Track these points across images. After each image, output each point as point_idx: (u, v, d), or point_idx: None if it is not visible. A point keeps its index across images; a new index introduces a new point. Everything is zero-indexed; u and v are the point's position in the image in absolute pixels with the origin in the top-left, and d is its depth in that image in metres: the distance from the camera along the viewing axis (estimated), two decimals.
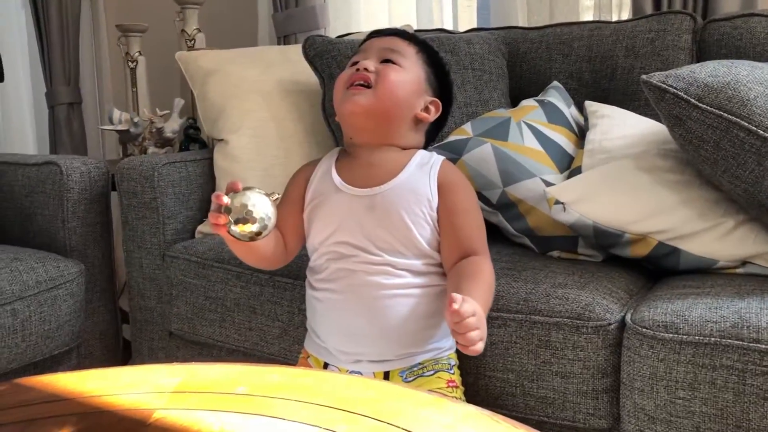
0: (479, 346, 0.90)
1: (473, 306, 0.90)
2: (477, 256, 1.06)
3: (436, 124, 1.21)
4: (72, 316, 1.55)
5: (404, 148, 1.15)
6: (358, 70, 1.12)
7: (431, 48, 1.21)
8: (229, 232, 0.95)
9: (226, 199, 0.94)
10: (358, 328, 1.08)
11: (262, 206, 0.95)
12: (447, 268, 1.09)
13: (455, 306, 0.87)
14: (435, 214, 1.09)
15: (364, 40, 1.22)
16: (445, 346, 1.12)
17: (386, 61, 1.13)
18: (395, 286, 1.07)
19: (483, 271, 1.04)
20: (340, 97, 1.13)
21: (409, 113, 1.14)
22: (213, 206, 0.95)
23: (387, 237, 1.07)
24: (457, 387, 1.11)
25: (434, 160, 1.14)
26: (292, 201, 1.17)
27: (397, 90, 1.11)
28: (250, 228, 0.95)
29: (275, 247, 1.13)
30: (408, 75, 1.13)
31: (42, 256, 1.54)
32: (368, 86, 1.10)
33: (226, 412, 0.76)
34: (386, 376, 1.08)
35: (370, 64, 1.12)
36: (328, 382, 0.85)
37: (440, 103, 1.17)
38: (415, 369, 1.09)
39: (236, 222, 0.94)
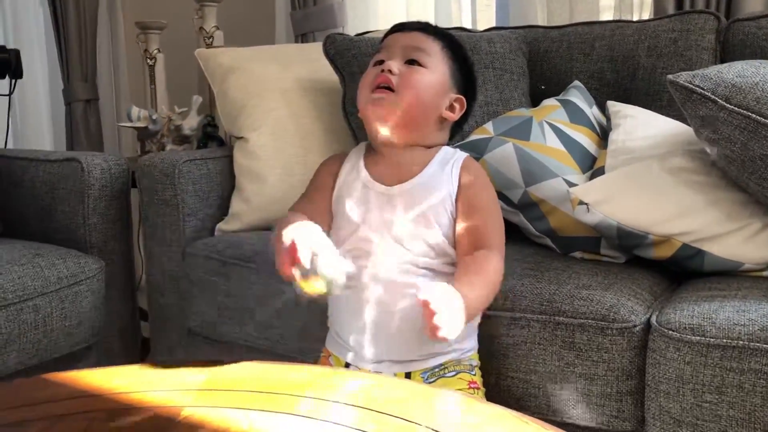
0: (444, 333, 0.87)
1: (438, 288, 0.88)
2: (487, 250, 1.05)
3: (460, 119, 1.20)
4: (92, 313, 1.55)
5: (429, 147, 1.14)
6: (382, 71, 1.10)
7: (457, 42, 1.19)
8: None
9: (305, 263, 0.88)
10: (381, 327, 1.08)
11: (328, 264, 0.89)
12: (459, 259, 1.08)
13: (419, 294, 0.87)
14: (454, 210, 1.09)
15: (388, 33, 1.20)
16: (466, 347, 1.11)
17: (410, 61, 1.12)
18: (416, 285, 1.06)
19: (487, 268, 1.03)
20: (364, 100, 1.12)
21: (434, 114, 1.13)
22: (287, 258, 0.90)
23: (409, 234, 1.07)
24: (478, 388, 1.10)
25: (457, 156, 1.14)
26: (319, 187, 1.17)
27: (422, 94, 1.10)
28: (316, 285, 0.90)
29: None
30: (433, 76, 1.12)
31: (63, 253, 1.54)
32: (391, 89, 1.09)
33: (253, 411, 0.76)
34: (407, 376, 1.08)
35: (395, 65, 1.10)
36: (354, 381, 0.85)
37: (465, 100, 1.16)
38: (437, 370, 1.08)
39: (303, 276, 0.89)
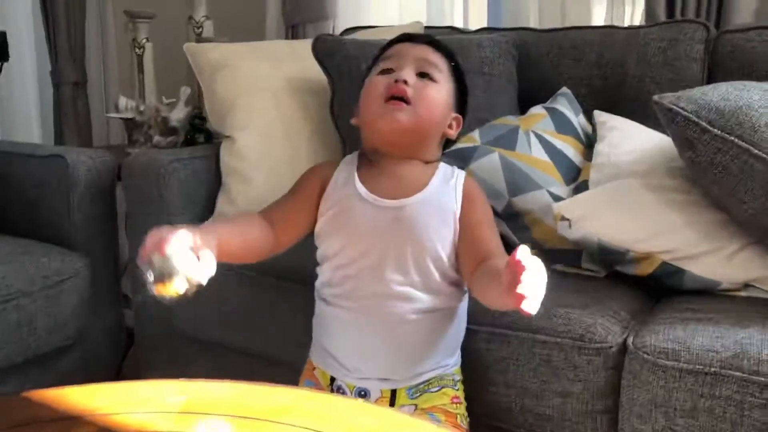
0: (536, 304, 0.79)
1: (537, 260, 0.80)
2: (500, 258, 1.02)
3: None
4: (77, 310, 1.56)
5: (427, 162, 1.13)
6: (396, 81, 1.07)
7: (458, 62, 1.17)
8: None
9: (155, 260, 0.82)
10: (371, 347, 1.08)
11: (183, 261, 0.83)
12: (467, 274, 1.06)
13: (518, 255, 0.79)
14: (457, 227, 1.08)
15: (392, 43, 1.16)
16: (450, 363, 1.13)
17: (422, 74, 1.09)
18: (413, 310, 1.06)
19: None
20: (377, 111, 1.07)
21: (440, 130, 1.12)
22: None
23: (411, 251, 1.05)
24: (460, 403, 1.12)
25: (457, 173, 1.13)
26: (300, 197, 1.13)
27: (435, 110, 1.08)
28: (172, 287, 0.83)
29: (260, 241, 1.06)
30: (443, 93, 1.10)
31: (48, 250, 1.55)
32: (406, 101, 1.06)
33: None
34: (393, 393, 1.09)
35: (410, 76, 1.07)
36: (334, 407, 0.86)
37: (461, 119, 1.16)
38: (421, 386, 1.10)
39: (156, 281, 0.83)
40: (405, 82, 1.06)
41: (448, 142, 1.19)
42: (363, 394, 1.08)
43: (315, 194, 1.12)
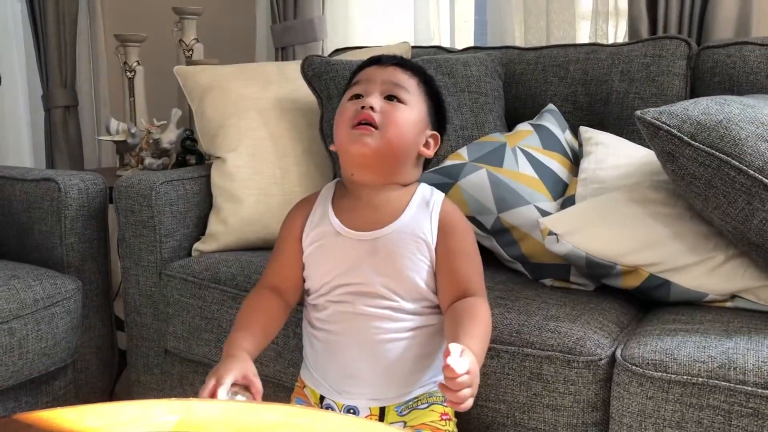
0: (468, 403, 0.90)
1: (468, 361, 0.90)
2: (474, 297, 1.07)
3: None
4: (69, 333, 1.56)
5: (405, 185, 1.14)
6: (363, 107, 1.08)
7: (431, 78, 1.19)
8: None
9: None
10: (356, 370, 1.09)
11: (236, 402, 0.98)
12: (444, 308, 1.09)
13: (449, 361, 0.87)
14: (433, 255, 1.09)
15: (362, 66, 1.18)
16: (439, 378, 1.13)
17: (389, 97, 1.10)
18: (395, 330, 1.08)
19: (480, 314, 1.04)
20: (346, 137, 1.09)
21: (414, 151, 1.13)
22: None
23: (389, 281, 1.07)
24: (450, 420, 1.13)
25: (435, 199, 1.13)
26: (286, 251, 1.15)
27: (404, 132, 1.09)
28: None
29: (279, 317, 1.15)
30: (413, 113, 1.11)
31: (39, 273, 1.55)
32: (374, 126, 1.07)
33: None
34: (382, 410, 1.10)
35: (376, 102, 1.08)
36: (324, 424, 0.86)
37: (439, 136, 1.17)
38: (410, 402, 1.10)
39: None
40: (372, 108, 1.08)
41: (428, 161, 1.20)
42: (352, 411, 1.09)
43: (297, 239, 1.15)
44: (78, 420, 0.86)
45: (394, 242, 1.08)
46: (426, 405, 1.11)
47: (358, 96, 1.12)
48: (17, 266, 1.58)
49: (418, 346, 1.10)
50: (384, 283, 1.07)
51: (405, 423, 1.09)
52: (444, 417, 1.12)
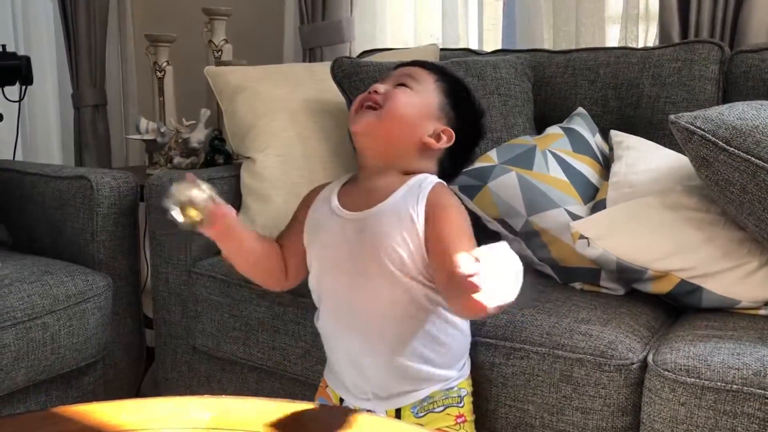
0: (496, 297, 0.81)
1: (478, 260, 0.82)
2: None
3: (454, 158, 1.19)
4: (99, 329, 1.58)
5: (407, 173, 1.13)
6: (370, 92, 1.14)
7: (454, 80, 1.19)
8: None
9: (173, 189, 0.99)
10: (363, 364, 1.10)
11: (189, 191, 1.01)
12: (441, 287, 1.06)
13: (462, 268, 0.81)
14: (421, 240, 1.06)
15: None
16: (453, 376, 1.13)
17: (399, 84, 1.15)
18: (391, 315, 1.08)
19: None
20: (351, 119, 1.15)
21: (414, 136, 1.12)
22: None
23: (376, 261, 1.06)
24: (465, 421, 1.13)
25: (427, 182, 1.11)
26: (293, 220, 1.21)
27: (402, 110, 1.11)
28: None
29: (270, 261, 1.17)
30: (417, 98, 1.13)
31: (71, 270, 1.57)
32: (375, 106, 1.12)
33: None
34: (398, 412, 1.10)
35: (382, 87, 1.14)
36: (359, 423, 0.87)
37: (453, 133, 1.15)
38: (425, 404, 1.11)
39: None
40: (376, 91, 1.13)
41: (451, 163, 1.18)
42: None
43: (302, 218, 1.19)
44: (114, 415, 0.88)
45: (379, 221, 1.08)
46: (441, 408, 1.11)
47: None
48: (50, 262, 1.60)
49: (418, 335, 1.08)
50: (371, 261, 1.06)
51: (421, 426, 1.09)
52: (459, 420, 1.12)
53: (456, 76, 1.22)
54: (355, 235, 1.09)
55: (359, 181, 1.17)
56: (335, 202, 1.14)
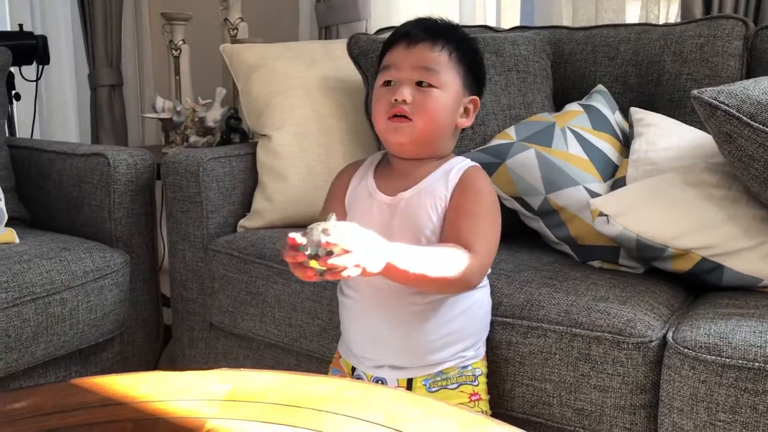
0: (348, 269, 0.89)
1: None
2: (465, 250, 1.03)
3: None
4: (117, 306, 1.59)
5: (441, 156, 1.16)
6: (396, 100, 1.08)
7: (462, 38, 1.14)
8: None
9: (300, 239, 0.90)
10: (381, 335, 1.11)
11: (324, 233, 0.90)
12: None
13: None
14: (444, 215, 1.09)
15: (391, 42, 1.14)
16: (468, 354, 1.13)
17: (421, 82, 1.09)
18: (418, 294, 1.08)
19: (452, 250, 1.01)
20: (383, 126, 1.11)
21: (450, 128, 1.14)
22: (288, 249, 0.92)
23: (408, 242, 1.05)
24: (480, 399, 1.13)
25: (462, 165, 1.13)
26: (332, 201, 1.20)
27: (438, 116, 1.09)
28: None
29: None
30: (446, 96, 1.10)
31: (89, 246, 1.58)
32: (407, 117, 1.08)
33: (276, 425, 0.79)
34: (409, 383, 1.11)
35: (407, 94, 1.08)
36: (376, 397, 0.87)
37: (478, 100, 1.15)
38: (439, 379, 1.11)
39: (311, 257, 0.90)
40: (404, 101, 1.08)
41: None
42: (380, 383, 1.10)
43: (341, 199, 1.19)
44: (132, 387, 0.88)
45: (412, 204, 1.10)
46: (456, 385, 1.11)
47: (389, 83, 1.12)
48: (68, 239, 1.61)
49: (441, 313, 1.09)
50: (403, 243, 1.04)
51: None
52: (473, 398, 1.12)
53: (456, 28, 1.16)
54: (390, 217, 1.11)
55: (394, 165, 1.17)
56: (372, 183, 1.15)
